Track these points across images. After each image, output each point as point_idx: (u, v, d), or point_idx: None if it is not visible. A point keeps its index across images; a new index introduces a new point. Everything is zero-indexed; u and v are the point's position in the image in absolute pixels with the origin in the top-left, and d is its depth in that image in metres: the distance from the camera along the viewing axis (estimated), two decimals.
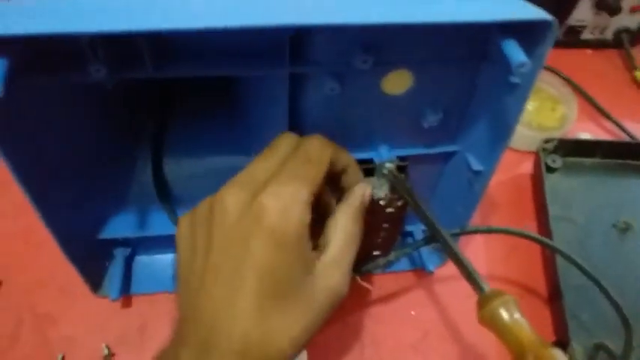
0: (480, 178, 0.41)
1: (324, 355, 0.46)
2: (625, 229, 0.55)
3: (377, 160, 0.41)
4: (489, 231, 0.45)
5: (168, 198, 0.46)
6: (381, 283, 0.51)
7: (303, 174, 0.31)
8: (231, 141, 0.47)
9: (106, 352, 0.44)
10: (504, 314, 0.30)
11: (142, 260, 0.49)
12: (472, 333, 0.48)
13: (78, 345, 0.45)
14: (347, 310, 0.49)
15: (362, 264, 0.45)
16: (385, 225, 0.44)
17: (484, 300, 0.31)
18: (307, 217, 0.30)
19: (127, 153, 0.45)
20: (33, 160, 0.34)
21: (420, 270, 0.52)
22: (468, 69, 0.37)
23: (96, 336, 0.45)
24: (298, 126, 0.39)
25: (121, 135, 0.44)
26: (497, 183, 0.59)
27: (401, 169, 0.42)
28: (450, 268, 0.52)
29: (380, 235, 0.45)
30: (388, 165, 0.40)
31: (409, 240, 0.52)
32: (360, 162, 0.41)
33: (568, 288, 0.47)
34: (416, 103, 0.38)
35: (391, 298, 0.50)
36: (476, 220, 0.57)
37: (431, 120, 0.39)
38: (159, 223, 0.45)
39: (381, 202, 0.42)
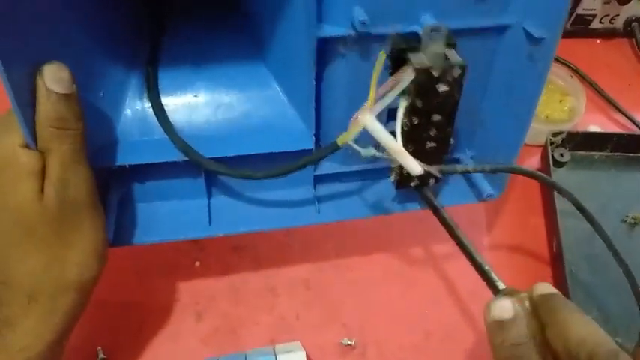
0: (542, 48, 0.35)
1: (325, 356, 0.45)
2: (634, 224, 0.54)
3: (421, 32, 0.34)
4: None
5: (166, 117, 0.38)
6: (377, 276, 0.50)
7: None
8: (239, 48, 0.41)
9: (101, 355, 0.43)
10: None
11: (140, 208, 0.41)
12: (476, 333, 0.47)
13: (71, 347, 0.44)
14: (345, 310, 0.48)
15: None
16: (436, 117, 0.36)
17: None
18: None
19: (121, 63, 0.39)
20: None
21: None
22: None
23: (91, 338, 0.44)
24: None
25: (115, 43, 0.38)
26: None
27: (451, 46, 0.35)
28: (453, 266, 0.51)
29: (429, 133, 0.37)
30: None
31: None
32: (402, 39, 0.35)
33: (576, 285, 0.47)
34: None
35: (391, 296, 0.49)
36: (481, 216, 0.56)
37: None
38: (158, 151, 0.38)
39: (434, 73, 0.33)
